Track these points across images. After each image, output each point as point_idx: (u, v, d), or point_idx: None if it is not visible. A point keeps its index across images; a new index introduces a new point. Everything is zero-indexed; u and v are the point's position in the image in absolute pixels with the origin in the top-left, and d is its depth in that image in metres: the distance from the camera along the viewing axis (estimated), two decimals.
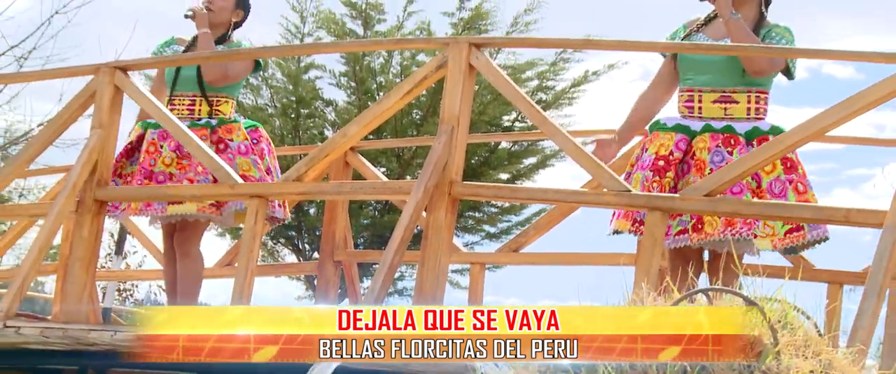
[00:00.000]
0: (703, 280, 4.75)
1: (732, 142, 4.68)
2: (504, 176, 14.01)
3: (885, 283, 3.95)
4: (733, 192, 4.56)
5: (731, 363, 2.02)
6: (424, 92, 10.86)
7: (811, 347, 2.15)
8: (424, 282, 4.72)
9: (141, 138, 5.74)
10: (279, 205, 5.64)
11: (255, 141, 5.75)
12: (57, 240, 6.53)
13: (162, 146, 5.64)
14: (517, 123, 13.78)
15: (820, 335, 2.25)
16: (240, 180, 5.27)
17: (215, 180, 5.51)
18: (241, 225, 5.85)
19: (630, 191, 4.57)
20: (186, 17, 5.79)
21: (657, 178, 4.67)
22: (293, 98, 13.85)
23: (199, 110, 5.74)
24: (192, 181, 5.55)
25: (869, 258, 4.18)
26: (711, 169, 4.62)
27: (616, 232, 4.88)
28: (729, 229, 4.56)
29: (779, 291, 2.27)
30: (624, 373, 2.02)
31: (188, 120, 5.63)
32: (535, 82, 14.24)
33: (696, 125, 4.77)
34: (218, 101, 5.78)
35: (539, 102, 13.56)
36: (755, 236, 4.59)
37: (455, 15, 14.24)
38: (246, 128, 5.79)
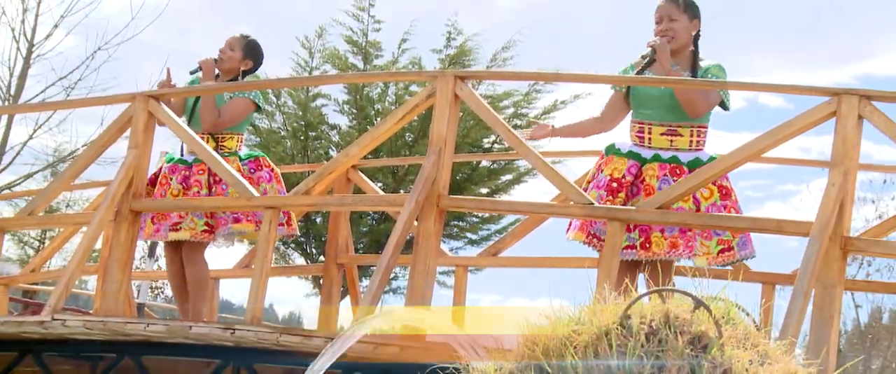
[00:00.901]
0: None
1: (678, 171, 4.70)
2: (484, 190, 14.03)
3: (811, 284, 3.95)
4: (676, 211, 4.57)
5: (682, 354, 2.01)
6: (416, 118, 10.87)
7: (750, 339, 2.14)
8: (416, 282, 4.71)
9: (160, 171, 5.81)
10: (280, 224, 5.55)
11: (252, 170, 5.72)
12: (98, 244, 6.52)
13: (171, 179, 5.70)
14: (496, 145, 13.80)
15: (758, 329, 2.24)
16: (257, 194, 5.27)
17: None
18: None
19: (593, 204, 4.56)
20: (192, 72, 5.85)
21: (610, 197, 4.68)
22: (302, 122, 13.85)
23: (207, 145, 5.70)
24: None
25: (796, 262, 4.19)
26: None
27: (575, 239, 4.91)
28: (673, 250, 4.59)
29: (722, 291, 2.26)
30: (590, 370, 2.00)
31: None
32: (512, 110, 14.28)
33: (647, 153, 4.78)
34: (223, 137, 5.77)
35: (515, 126, 13.56)
36: (693, 256, 4.61)
37: (442, 51, 14.29)
38: (246, 158, 5.77)
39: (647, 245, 4.62)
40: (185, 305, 5.86)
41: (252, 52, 5.85)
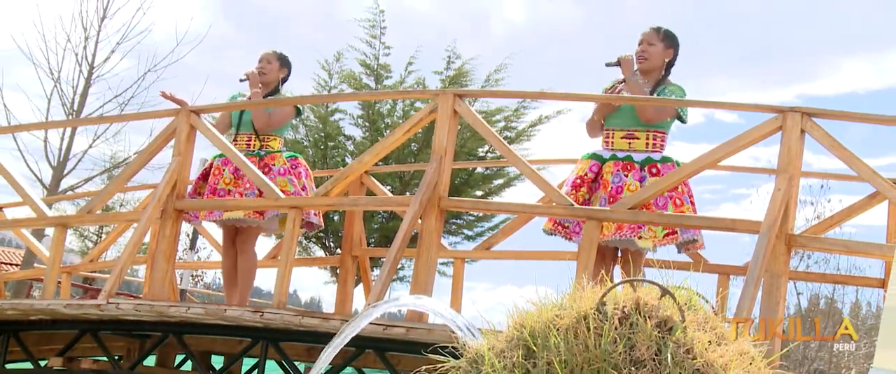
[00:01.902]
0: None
1: (628, 167, 4.76)
2: (479, 193, 14.00)
3: (761, 274, 3.94)
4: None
5: (650, 335, 1.99)
6: (420, 130, 10.85)
7: (709, 323, 2.13)
8: (419, 272, 4.69)
9: (211, 165, 5.79)
10: (315, 214, 5.69)
11: (293, 166, 5.81)
12: (147, 238, 6.50)
13: (224, 170, 5.70)
14: (489, 154, 13.77)
15: (715, 313, 2.22)
16: (282, 196, 5.26)
17: (260, 194, 5.56)
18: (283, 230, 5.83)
19: (573, 205, 4.55)
20: (241, 80, 5.88)
21: (574, 192, 4.77)
22: (322, 134, 13.82)
23: (254, 145, 5.76)
24: (241, 194, 5.61)
25: (748, 256, 4.18)
26: (612, 187, 4.70)
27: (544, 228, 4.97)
28: (618, 231, 4.63)
29: (685, 281, 2.25)
30: (570, 343, 1.98)
31: (246, 151, 5.68)
32: (502, 123, 14.25)
33: (606, 154, 4.86)
34: (267, 138, 5.81)
35: (505, 138, 13.55)
36: (640, 237, 4.62)
37: (443, 73, 14.27)
38: (288, 157, 5.84)
39: (601, 230, 4.65)
40: (231, 289, 5.84)
41: (286, 62, 5.98)
